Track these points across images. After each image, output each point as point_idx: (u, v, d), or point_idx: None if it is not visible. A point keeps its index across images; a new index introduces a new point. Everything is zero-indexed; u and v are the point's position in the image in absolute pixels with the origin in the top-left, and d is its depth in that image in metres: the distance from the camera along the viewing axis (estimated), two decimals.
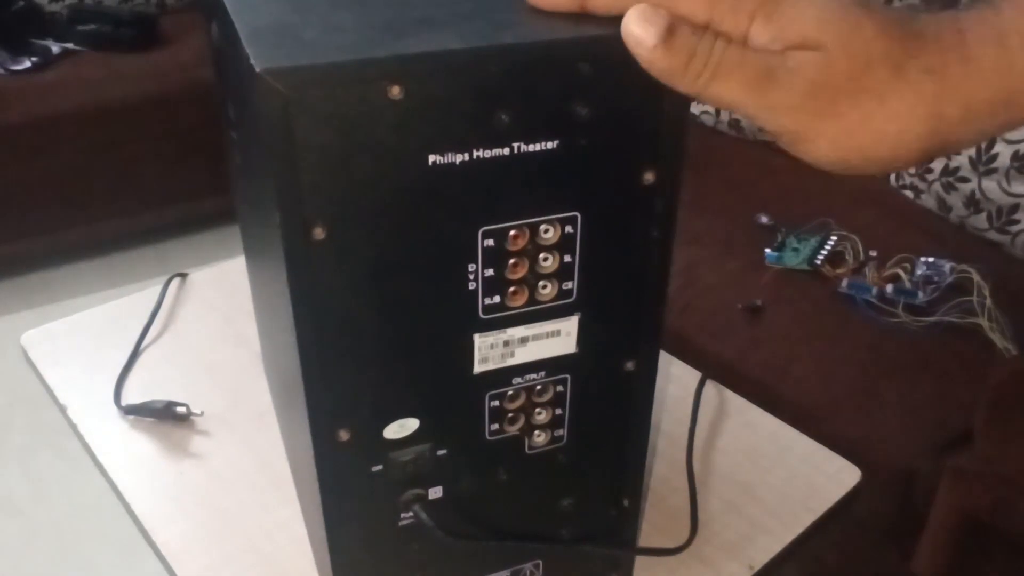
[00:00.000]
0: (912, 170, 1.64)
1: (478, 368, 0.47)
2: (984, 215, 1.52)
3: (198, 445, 0.75)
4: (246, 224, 0.68)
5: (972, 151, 1.51)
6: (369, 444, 0.47)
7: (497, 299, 0.45)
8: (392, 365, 0.45)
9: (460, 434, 0.49)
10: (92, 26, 2.33)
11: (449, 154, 0.40)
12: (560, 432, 0.51)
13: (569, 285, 0.46)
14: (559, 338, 0.47)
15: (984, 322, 1.31)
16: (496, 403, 0.49)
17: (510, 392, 0.49)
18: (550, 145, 0.41)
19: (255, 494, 0.70)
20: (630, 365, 0.50)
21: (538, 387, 0.49)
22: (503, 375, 0.48)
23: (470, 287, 0.44)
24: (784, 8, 0.37)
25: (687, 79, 0.38)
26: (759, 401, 0.81)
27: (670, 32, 0.37)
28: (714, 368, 0.84)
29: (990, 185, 1.49)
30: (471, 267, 0.43)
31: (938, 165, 1.57)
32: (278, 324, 0.51)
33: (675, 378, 0.83)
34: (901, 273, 1.41)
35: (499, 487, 0.52)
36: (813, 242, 1.50)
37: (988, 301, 1.31)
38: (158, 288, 0.93)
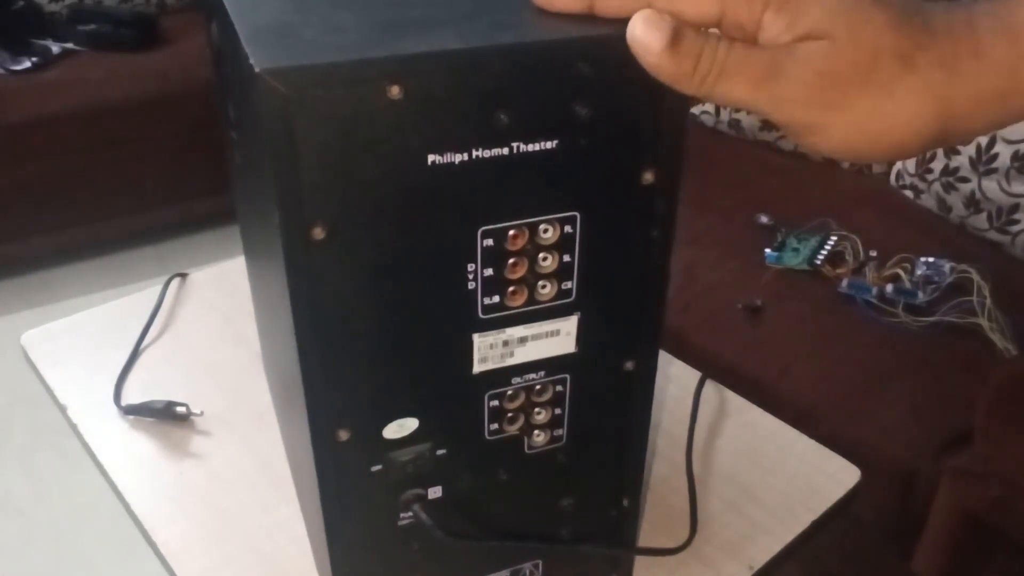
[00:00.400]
0: (912, 170, 1.65)
1: (477, 368, 0.47)
2: (984, 215, 1.53)
3: (198, 445, 0.75)
4: (246, 224, 0.68)
5: (972, 151, 1.51)
6: (369, 444, 0.47)
7: (496, 299, 0.45)
8: (391, 365, 0.45)
9: (460, 434, 0.49)
10: (92, 26, 2.33)
11: (448, 154, 0.40)
12: (559, 432, 0.51)
13: (568, 285, 0.46)
14: (558, 338, 0.47)
15: (984, 322, 1.31)
16: (495, 403, 0.49)
17: (509, 392, 0.49)
18: (550, 145, 0.41)
19: (255, 494, 0.70)
20: (630, 365, 0.50)
21: (537, 387, 0.49)
22: (502, 375, 0.48)
23: (469, 287, 0.44)
24: None
25: (694, 82, 0.38)
26: (759, 401, 0.81)
27: (676, 37, 0.37)
28: (714, 368, 0.84)
29: (990, 185, 1.49)
30: (470, 267, 0.43)
31: (938, 165, 1.57)
32: (278, 324, 0.51)
33: (675, 378, 0.83)
34: (901, 273, 1.41)
35: (499, 487, 0.52)
36: (813, 242, 1.50)
37: (988, 301, 1.31)
38: (158, 288, 0.93)
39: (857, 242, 1.47)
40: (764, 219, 1.59)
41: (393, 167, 0.39)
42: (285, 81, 0.36)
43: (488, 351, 0.47)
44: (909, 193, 1.67)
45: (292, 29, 0.39)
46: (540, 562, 0.58)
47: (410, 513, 0.51)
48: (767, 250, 1.51)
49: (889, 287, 1.39)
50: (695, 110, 1.88)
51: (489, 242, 0.43)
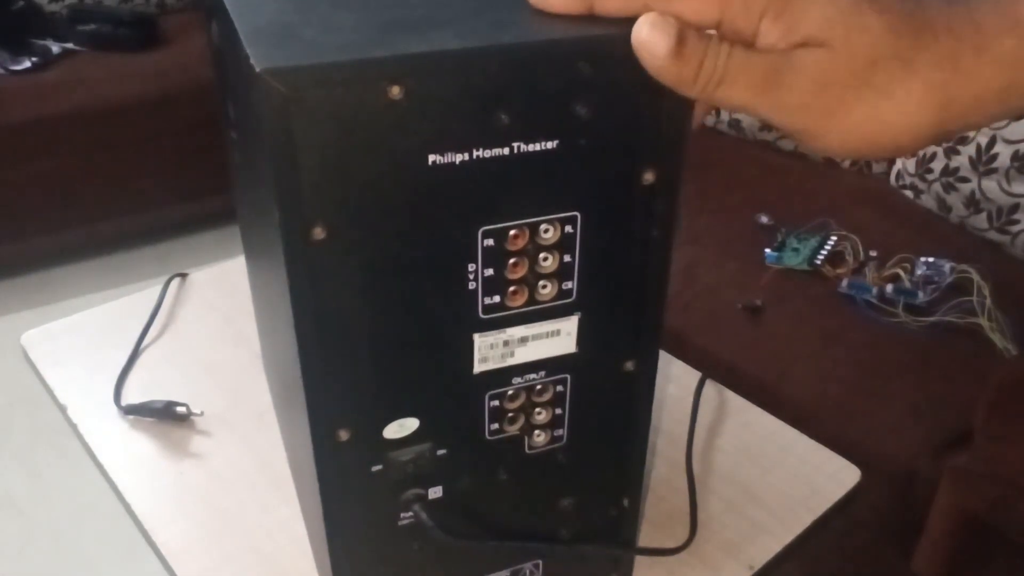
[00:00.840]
0: (912, 170, 1.65)
1: (478, 368, 0.47)
2: (984, 215, 1.53)
3: (198, 445, 0.75)
4: (246, 224, 0.68)
5: (972, 151, 1.51)
6: (369, 444, 0.47)
7: (497, 299, 0.45)
8: (392, 365, 0.45)
9: (460, 434, 0.49)
10: (92, 26, 2.33)
11: (449, 154, 0.40)
12: (560, 432, 0.51)
13: (569, 285, 0.46)
14: (559, 338, 0.47)
15: (984, 322, 1.31)
16: (496, 403, 0.49)
17: (510, 392, 0.49)
18: (550, 145, 0.41)
19: (255, 494, 0.70)
20: (630, 365, 0.50)
21: (538, 387, 0.49)
22: (503, 375, 0.48)
23: (470, 287, 0.44)
24: (792, 6, 0.37)
25: (697, 87, 0.38)
26: (759, 401, 0.81)
27: (681, 41, 0.37)
28: (714, 368, 0.84)
29: (990, 185, 1.49)
30: (471, 267, 0.43)
31: (938, 165, 1.57)
32: (278, 324, 0.51)
33: (675, 378, 0.83)
34: (901, 273, 1.41)
35: (499, 487, 0.52)
36: (813, 242, 1.50)
37: (988, 301, 1.31)
38: (158, 288, 0.93)
39: (857, 242, 1.47)
40: (764, 219, 1.59)
41: (393, 167, 0.39)
42: (285, 81, 0.36)
43: (488, 351, 0.47)
44: (909, 193, 1.67)
45: (292, 29, 0.39)
46: (540, 562, 0.58)
47: (410, 513, 0.51)
48: (767, 250, 1.51)
49: (889, 287, 1.39)
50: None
51: (490, 242, 0.43)
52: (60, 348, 0.86)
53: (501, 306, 0.45)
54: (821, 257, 1.47)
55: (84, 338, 0.87)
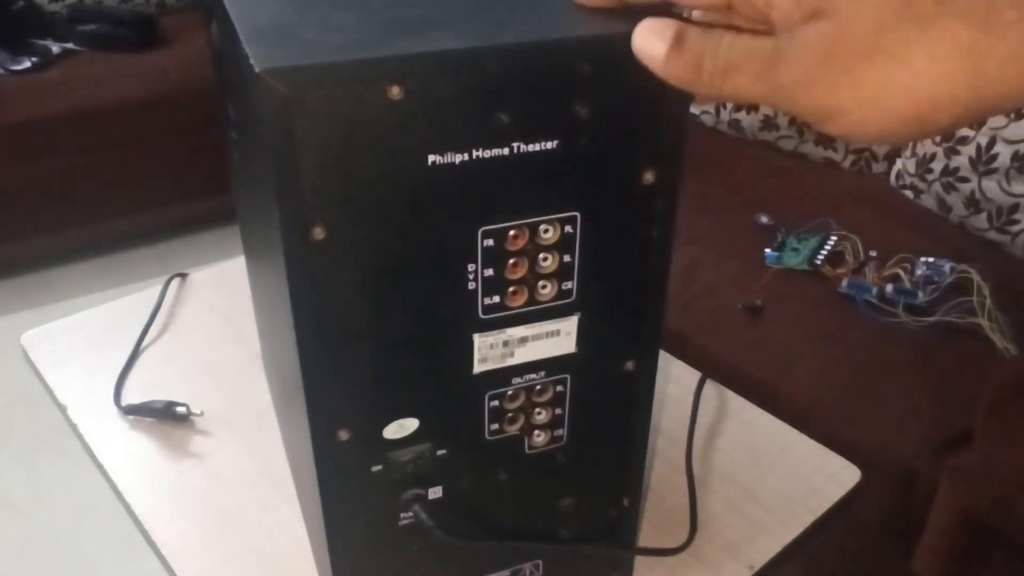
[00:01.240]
0: (912, 170, 1.65)
1: (478, 368, 0.47)
2: (984, 215, 1.53)
3: (198, 445, 0.75)
4: (246, 224, 0.68)
5: (972, 151, 1.51)
6: (369, 444, 0.47)
7: (497, 299, 0.45)
8: (392, 365, 0.45)
9: (460, 434, 0.49)
10: (92, 26, 2.33)
11: (449, 154, 0.40)
12: (560, 432, 0.51)
13: (569, 285, 0.46)
14: (559, 338, 0.47)
15: (984, 322, 1.31)
16: (496, 403, 0.49)
17: (510, 392, 0.49)
18: (550, 145, 0.41)
19: (255, 494, 0.70)
20: (630, 365, 0.50)
21: (538, 387, 0.49)
22: (503, 375, 0.48)
23: (470, 287, 0.44)
24: None
25: (703, 82, 0.37)
26: (759, 401, 0.81)
27: (679, 40, 0.37)
28: (714, 368, 0.84)
29: (990, 185, 1.49)
30: (471, 267, 0.43)
31: (938, 165, 1.57)
32: (278, 324, 0.51)
33: (675, 378, 0.83)
34: (901, 273, 1.41)
35: (499, 487, 0.52)
36: (813, 242, 1.50)
37: (988, 301, 1.31)
38: (158, 288, 0.93)
39: (857, 242, 1.47)
40: (764, 219, 1.59)
41: (393, 167, 0.39)
42: (285, 81, 0.36)
43: (488, 351, 0.47)
44: (909, 193, 1.67)
45: (292, 29, 0.39)
46: (540, 562, 0.58)
47: (410, 513, 0.51)
48: (767, 250, 1.51)
49: (889, 287, 1.39)
50: (695, 110, 1.88)
51: (489, 242, 0.43)
52: (60, 348, 0.86)
53: (501, 306, 0.45)
54: (821, 257, 1.47)
55: (84, 338, 0.87)
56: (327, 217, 0.40)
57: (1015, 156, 1.45)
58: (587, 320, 0.47)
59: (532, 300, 0.45)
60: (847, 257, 1.47)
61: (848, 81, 0.34)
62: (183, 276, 0.96)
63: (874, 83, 0.33)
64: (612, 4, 0.41)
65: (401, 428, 0.47)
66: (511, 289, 0.45)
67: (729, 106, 1.82)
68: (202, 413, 0.77)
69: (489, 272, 0.44)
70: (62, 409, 0.79)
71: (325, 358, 0.44)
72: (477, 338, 0.46)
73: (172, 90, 2.25)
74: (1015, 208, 1.48)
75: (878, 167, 1.77)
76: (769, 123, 1.79)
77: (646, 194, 0.44)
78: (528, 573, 0.58)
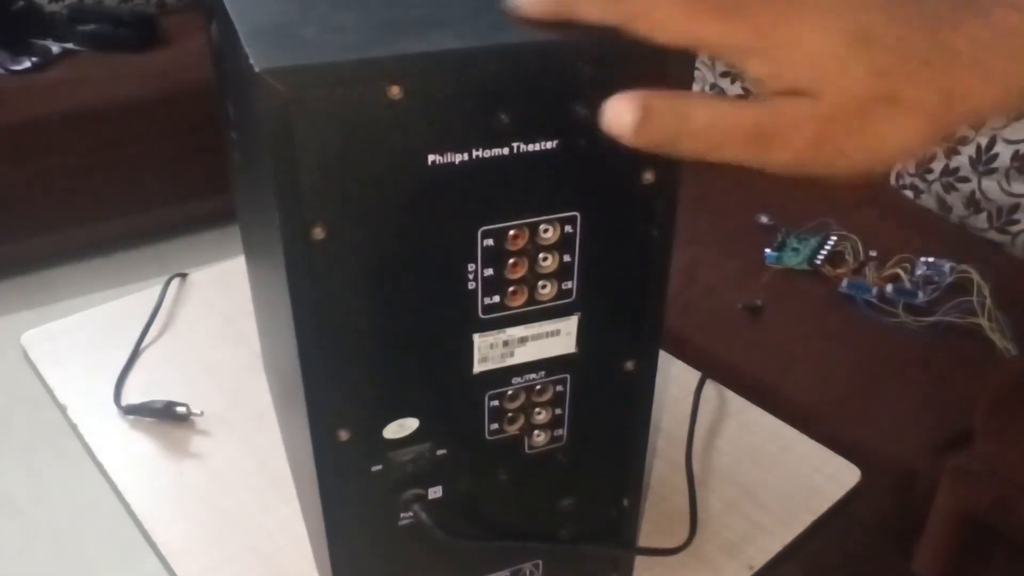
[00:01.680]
0: (912, 170, 1.65)
1: (478, 368, 0.47)
2: (984, 215, 1.53)
3: (198, 445, 0.75)
4: (246, 224, 0.68)
5: (972, 151, 1.51)
6: (369, 444, 0.47)
7: (496, 299, 0.45)
8: (392, 364, 0.45)
9: (460, 434, 0.49)
10: (92, 26, 2.33)
11: (449, 154, 0.40)
12: (560, 432, 0.51)
13: (568, 285, 0.46)
14: (559, 338, 0.47)
15: (984, 322, 1.31)
16: (496, 403, 0.49)
17: (510, 392, 0.49)
18: (549, 145, 0.41)
19: (255, 494, 0.70)
20: (630, 365, 0.50)
21: (538, 387, 0.49)
22: (503, 375, 0.48)
23: (469, 287, 0.44)
24: (780, 45, 0.35)
25: (683, 152, 0.37)
26: (759, 401, 0.81)
27: (646, 115, 0.36)
28: (714, 368, 0.84)
29: (990, 185, 1.49)
30: (470, 267, 0.43)
31: (938, 165, 1.58)
32: (278, 324, 0.51)
33: (675, 378, 0.83)
34: (901, 273, 1.41)
35: (499, 487, 0.52)
36: (813, 242, 1.50)
37: (988, 301, 1.31)
38: (158, 288, 0.93)
39: (857, 242, 1.47)
40: (764, 219, 1.59)
41: (393, 167, 0.39)
42: (285, 81, 0.36)
43: (488, 351, 0.47)
44: (909, 193, 1.67)
45: (292, 29, 0.39)
46: (540, 562, 0.58)
47: (410, 513, 0.51)
48: (767, 250, 1.51)
49: (889, 287, 1.39)
50: None
51: (489, 242, 0.43)
52: (60, 348, 0.86)
53: (501, 306, 0.45)
54: (821, 257, 1.47)
55: (84, 338, 0.87)
56: (327, 217, 0.40)
57: (1015, 156, 1.45)
58: (587, 320, 0.47)
59: (532, 300, 0.45)
60: (847, 257, 1.47)
61: (839, 160, 0.37)
62: (183, 276, 0.96)
63: (862, 158, 0.37)
64: (557, 16, 0.39)
65: (401, 428, 0.47)
66: (511, 289, 0.45)
67: None
68: (202, 413, 0.77)
69: (489, 272, 0.44)
70: (62, 409, 0.79)
71: (325, 358, 0.44)
72: (477, 338, 0.46)
73: (172, 90, 2.25)
74: (1015, 208, 1.48)
75: None
76: None
77: (646, 194, 0.44)
78: (528, 573, 0.58)
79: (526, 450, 0.51)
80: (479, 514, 0.53)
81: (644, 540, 0.66)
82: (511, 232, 0.43)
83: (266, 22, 0.40)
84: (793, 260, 1.48)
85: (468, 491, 0.52)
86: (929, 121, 0.36)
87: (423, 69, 0.38)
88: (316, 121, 0.37)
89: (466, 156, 0.40)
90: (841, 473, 0.74)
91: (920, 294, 1.37)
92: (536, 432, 0.51)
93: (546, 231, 0.43)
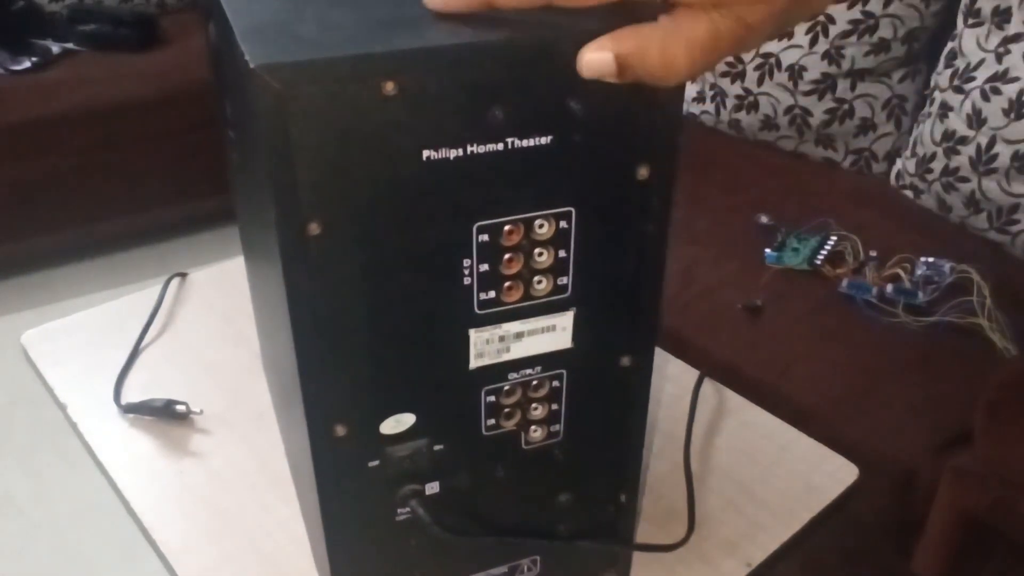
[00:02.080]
0: (912, 170, 1.65)
1: (474, 363, 0.47)
2: (984, 215, 1.52)
3: (198, 444, 0.75)
4: (244, 222, 0.68)
5: (972, 151, 1.51)
6: (366, 439, 0.47)
7: (492, 294, 0.45)
8: (388, 360, 0.45)
9: (457, 429, 0.49)
10: (92, 26, 2.33)
11: (443, 149, 0.40)
12: (556, 427, 0.51)
13: (564, 280, 0.46)
14: (554, 333, 0.48)
15: (984, 322, 1.30)
16: (492, 398, 0.49)
17: (506, 387, 0.49)
18: (544, 140, 0.41)
19: (255, 493, 0.70)
20: (626, 360, 0.50)
21: (534, 382, 0.49)
22: (499, 370, 0.48)
23: (465, 282, 0.44)
24: None
25: (675, 78, 0.39)
26: (759, 401, 0.81)
27: (623, 63, 0.38)
28: (714, 368, 0.84)
29: (990, 185, 1.49)
30: (466, 262, 0.43)
31: (938, 165, 1.57)
32: (275, 320, 0.51)
33: (673, 377, 0.83)
34: (901, 273, 1.41)
35: (496, 482, 0.52)
36: (813, 242, 1.50)
37: (988, 301, 1.31)
38: (158, 288, 0.93)
39: (857, 242, 1.47)
40: (764, 219, 1.59)
41: (388, 163, 0.39)
42: (280, 77, 0.36)
43: (484, 346, 0.47)
44: (909, 193, 1.67)
45: (287, 26, 0.39)
46: (538, 558, 0.58)
47: (407, 509, 0.51)
48: (767, 250, 1.51)
49: (889, 287, 1.39)
50: (695, 110, 1.88)
51: (484, 237, 0.43)
52: (60, 347, 0.86)
53: (496, 301, 0.45)
54: (821, 257, 1.47)
55: (84, 337, 0.88)
56: (323, 213, 0.40)
57: (1015, 156, 1.45)
58: (583, 315, 0.47)
59: (527, 295, 0.46)
60: (847, 257, 1.46)
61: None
62: (183, 276, 0.96)
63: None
64: (477, 8, 0.40)
65: (398, 423, 0.48)
66: (506, 284, 0.45)
67: (729, 106, 1.82)
68: (201, 412, 0.77)
69: (484, 267, 0.44)
70: (62, 408, 0.79)
71: (321, 353, 0.44)
72: (473, 333, 0.46)
73: (172, 90, 2.25)
74: (1015, 208, 1.48)
75: (878, 167, 1.77)
76: (769, 123, 1.79)
77: (641, 189, 0.44)
78: (526, 568, 0.58)
79: (523, 446, 0.52)
80: (476, 510, 0.53)
81: (642, 537, 0.66)
82: (506, 227, 0.43)
83: (262, 20, 0.40)
84: (793, 260, 1.48)
85: (465, 487, 0.52)
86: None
87: (417, 65, 0.38)
88: (311, 117, 0.37)
89: (461, 152, 0.40)
90: (839, 471, 0.74)
91: (920, 294, 1.37)
92: (533, 428, 0.51)
93: (541, 226, 0.44)
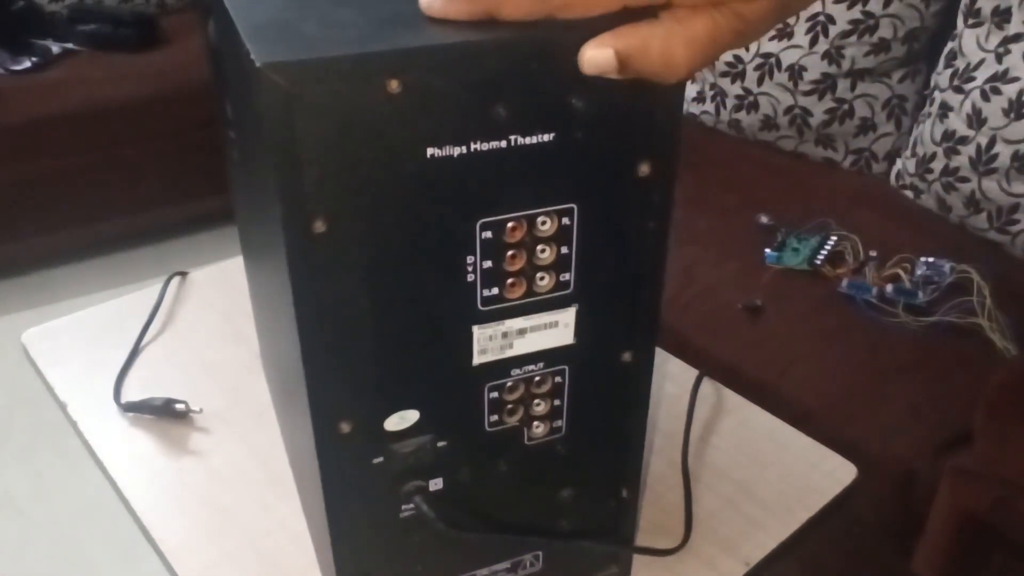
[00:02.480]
0: (912, 170, 1.65)
1: (477, 360, 0.47)
2: (984, 215, 1.53)
3: (197, 442, 0.75)
4: (245, 222, 0.68)
5: (972, 151, 1.51)
6: (370, 436, 0.48)
7: (495, 291, 0.45)
8: (392, 357, 0.45)
9: (460, 425, 0.50)
10: (92, 26, 2.33)
11: (447, 147, 0.40)
12: (559, 423, 0.52)
13: (566, 277, 0.46)
14: (557, 329, 0.48)
15: (984, 322, 1.31)
16: (495, 394, 0.49)
17: (509, 383, 0.49)
18: (547, 138, 0.41)
19: (254, 491, 0.70)
20: (627, 356, 0.50)
21: (536, 378, 0.49)
22: (502, 366, 0.48)
23: (469, 279, 0.44)
24: None
25: (674, 75, 0.39)
26: (758, 401, 0.81)
27: (624, 59, 0.38)
28: (714, 368, 0.84)
29: (990, 185, 1.50)
30: (469, 259, 0.44)
31: (938, 165, 1.58)
32: (279, 318, 0.51)
33: (672, 376, 0.83)
34: (901, 273, 1.41)
35: (499, 478, 0.53)
36: (813, 242, 1.50)
37: (988, 301, 1.31)
38: (158, 287, 0.93)
39: (857, 242, 1.47)
40: (764, 219, 1.59)
41: (392, 160, 0.40)
42: (286, 75, 0.36)
43: (487, 343, 0.47)
44: (909, 193, 1.67)
45: (292, 25, 0.40)
46: (540, 553, 0.58)
47: (411, 505, 0.51)
48: (767, 250, 1.51)
49: (889, 287, 1.39)
50: (695, 110, 1.88)
51: (488, 234, 0.43)
52: (60, 346, 0.86)
53: (500, 298, 0.45)
54: (821, 257, 1.47)
55: (84, 336, 0.88)
56: (328, 210, 0.40)
57: (1015, 156, 1.45)
58: (585, 311, 0.48)
59: (530, 292, 0.46)
60: (847, 257, 1.47)
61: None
62: (183, 275, 0.96)
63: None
64: (479, 16, 0.40)
65: (402, 420, 0.48)
66: (509, 281, 0.45)
67: (729, 106, 1.82)
68: (201, 410, 0.77)
69: (488, 264, 0.44)
70: (62, 407, 0.79)
71: (326, 351, 0.44)
72: (476, 330, 0.46)
73: (172, 90, 2.25)
74: (1015, 208, 1.48)
75: (878, 167, 1.78)
76: (769, 123, 1.80)
77: (642, 186, 0.44)
78: (528, 564, 0.58)
79: (526, 441, 0.52)
80: (479, 506, 0.53)
81: (641, 536, 0.66)
82: (509, 224, 0.43)
83: (266, 19, 0.40)
84: (793, 260, 1.48)
85: (468, 483, 0.52)
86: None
87: (421, 63, 0.38)
88: (316, 115, 0.37)
89: (464, 149, 0.40)
90: (838, 470, 0.74)
91: (920, 294, 1.37)
92: (535, 423, 0.51)
93: (544, 223, 0.44)
